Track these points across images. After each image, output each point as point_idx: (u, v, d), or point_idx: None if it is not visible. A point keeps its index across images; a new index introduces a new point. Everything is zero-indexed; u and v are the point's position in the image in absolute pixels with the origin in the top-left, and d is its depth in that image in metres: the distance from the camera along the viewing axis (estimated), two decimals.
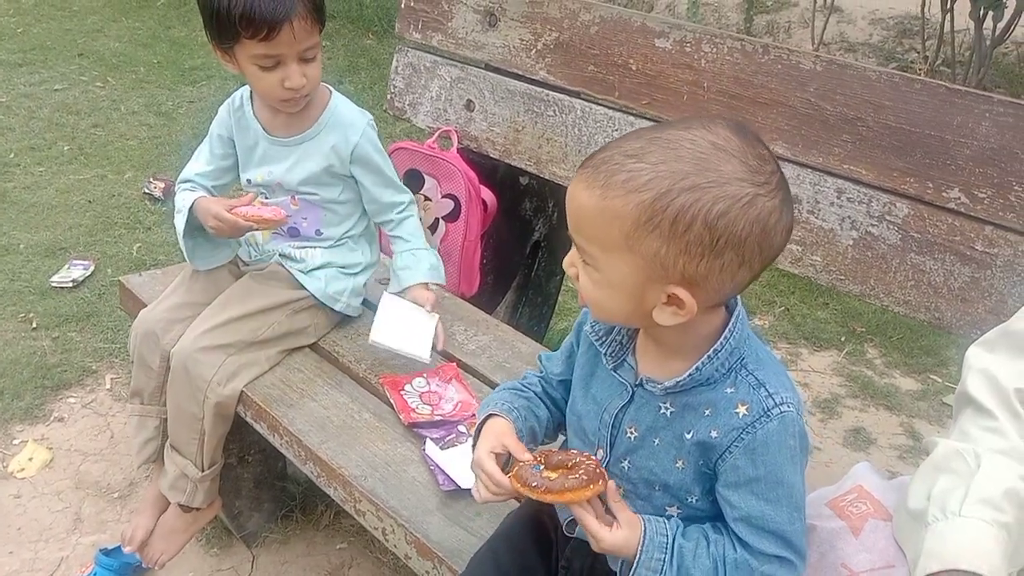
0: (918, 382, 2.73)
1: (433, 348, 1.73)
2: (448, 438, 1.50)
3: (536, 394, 1.23)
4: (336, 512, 2.05)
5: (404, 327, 1.74)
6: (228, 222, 1.64)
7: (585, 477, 0.98)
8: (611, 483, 1.01)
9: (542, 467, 1.02)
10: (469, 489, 1.38)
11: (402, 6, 2.21)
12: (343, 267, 1.83)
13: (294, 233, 1.81)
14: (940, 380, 2.73)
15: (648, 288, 0.95)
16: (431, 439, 1.49)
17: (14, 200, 3.32)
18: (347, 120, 1.72)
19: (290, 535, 2.02)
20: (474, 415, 1.59)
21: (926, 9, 4.03)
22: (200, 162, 1.84)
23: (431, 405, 1.62)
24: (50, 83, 4.44)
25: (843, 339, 2.91)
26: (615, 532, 1.00)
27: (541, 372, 1.26)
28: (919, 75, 4.19)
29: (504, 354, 1.83)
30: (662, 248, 0.91)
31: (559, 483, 0.98)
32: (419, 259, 1.83)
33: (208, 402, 1.63)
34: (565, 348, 1.23)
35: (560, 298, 2.61)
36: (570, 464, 1.01)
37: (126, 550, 1.83)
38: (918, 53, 4.37)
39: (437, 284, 1.85)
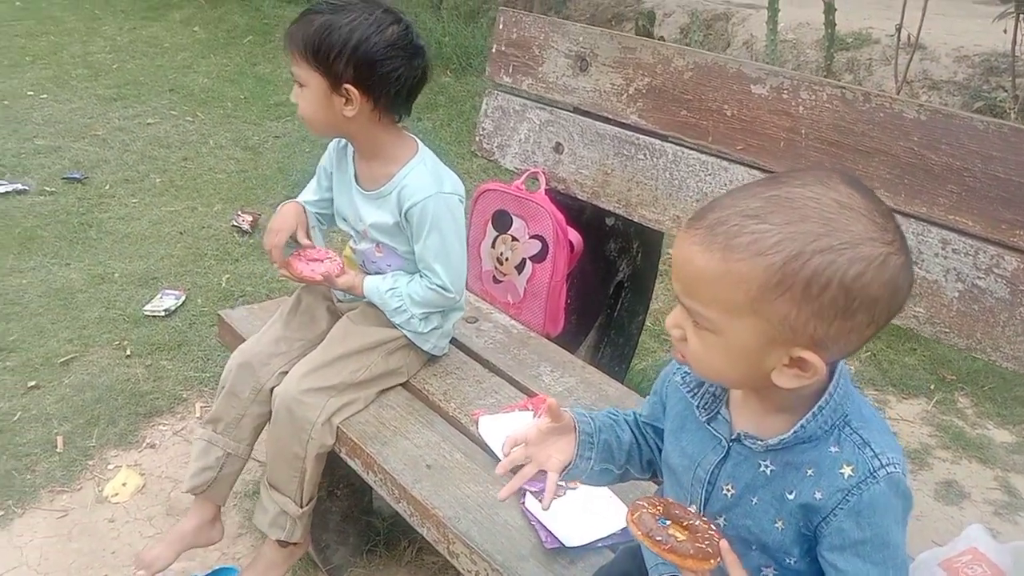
0: (1013, 434, 2.63)
1: None
2: None
3: (627, 421, 1.22)
4: (419, 548, 2.07)
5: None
6: (273, 253, 1.79)
7: (710, 549, 0.97)
8: (727, 545, 0.99)
9: (668, 522, 1.00)
10: (574, 547, 1.39)
11: (493, 51, 2.26)
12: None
13: (379, 272, 1.84)
14: None
15: (770, 351, 0.92)
16: (531, 492, 1.49)
17: (109, 230, 3.46)
18: (415, 184, 1.70)
19: (374, 570, 2.03)
20: None
21: (1016, 46, 3.93)
22: (310, 191, 1.91)
23: None
24: (143, 117, 4.63)
25: (932, 387, 2.82)
26: None
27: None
28: (1008, 114, 4.09)
29: (591, 397, 1.83)
30: (792, 311, 0.88)
31: (685, 547, 0.97)
32: (391, 282, 1.78)
33: (312, 443, 1.67)
34: (651, 397, 1.22)
35: (641, 338, 2.60)
36: (686, 523, 1.00)
37: (137, 574, 1.80)
38: (1006, 91, 4.25)
39: (360, 296, 1.81)
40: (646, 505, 1.02)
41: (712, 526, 1.00)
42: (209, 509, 1.87)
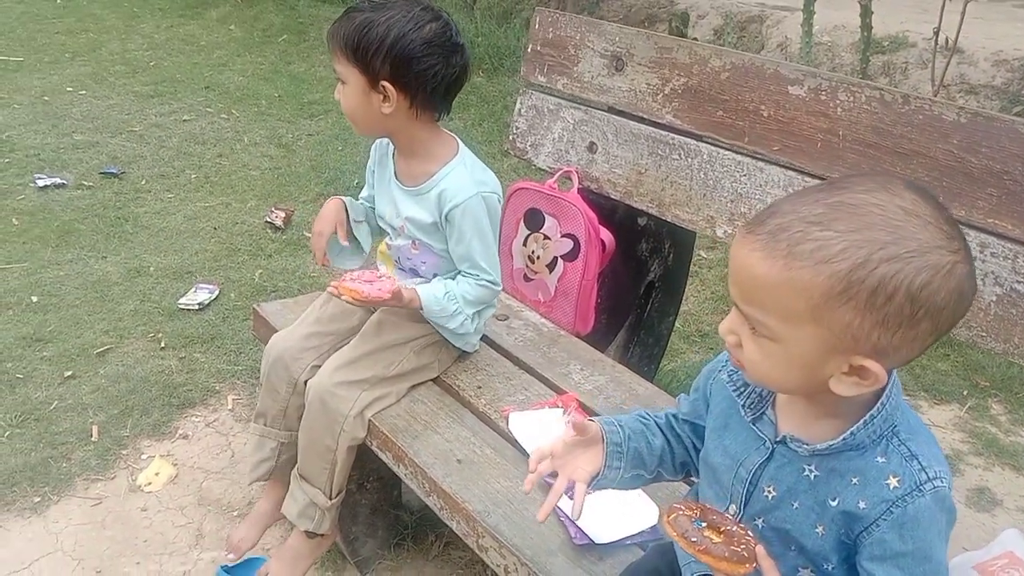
0: None
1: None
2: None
3: (658, 425, 1.22)
4: (447, 543, 2.08)
5: (544, 429, 1.69)
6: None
7: (746, 554, 0.96)
8: (763, 550, 0.99)
9: (704, 524, 1.00)
10: (603, 544, 1.39)
11: (528, 50, 2.26)
12: None
13: (414, 273, 1.87)
14: None
15: (829, 359, 0.91)
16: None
17: (145, 225, 3.51)
18: (456, 186, 1.71)
19: (402, 563, 2.05)
20: None
21: None
22: (366, 188, 1.95)
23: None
24: (179, 114, 4.69)
25: (965, 393, 2.79)
26: None
27: (676, 410, 1.25)
28: None
29: (621, 395, 1.83)
30: (855, 320, 0.87)
31: (721, 549, 0.96)
32: (443, 288, 1.75)
33: (344, 435, 1.69)
34: (693, 394, 1.21)
35: (671, 338, 2.59)
36: (723, 529, 0.99)
37: (228, 557, 1.92)
38: None
39: (413, 307, 1.73)
40: (683, 508, 1.02)
41: (749, 532, 1.00)
42: (278, 489, 1.92)
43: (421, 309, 1.73)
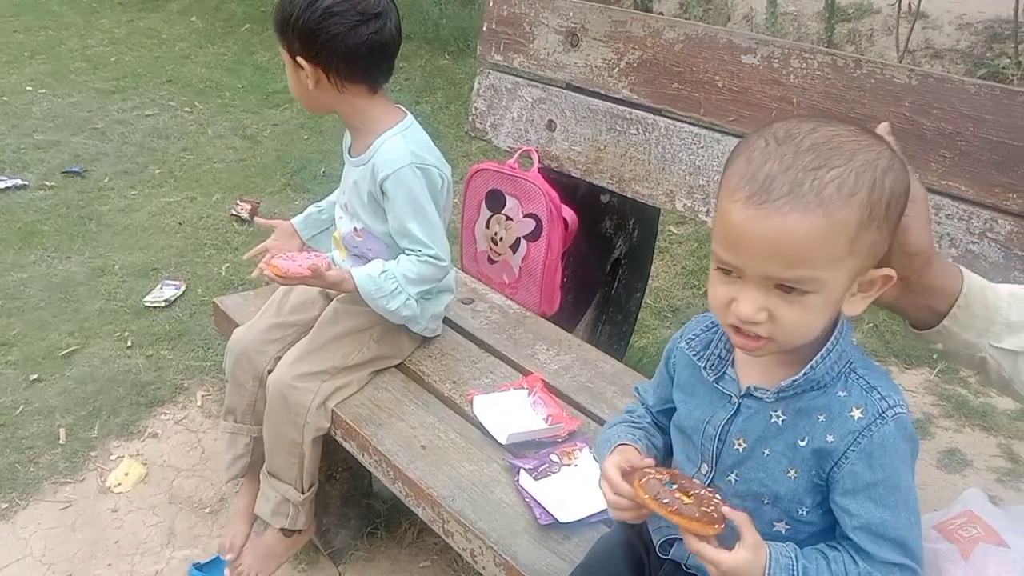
0: (1015, 401, 2.61)
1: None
2: (541, 467, 1.49)
3: (648, 423, 1.22)
4: (420, 530, 2.07)
5: (509, 411, 1.67)
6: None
7: (715, 515, 0.97)
8: (729, 509, 1.00)
9: (675, 485, 1.01)
10: (568, 523, 1.38)
11: (484, 29, 2.24)
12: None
13: (364, 260, 1.80)
14: None
15: (852, 285, 0.96)
16: (524, 469, 1.49)
17: (109, 223, 3.47)
18: (390, 155, 1.67)
19: (375, 552, 2.04)
20: (569, 435, 1.59)
21: (1019, 12, 3.89)
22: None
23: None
24: (141, 109, 4.63)
25: (935, 356, 2.80)
26: (737, 555, 0.98)
27: (643, 403, 1.25)
28: (1011, 80, 4.05)
29: (587, 374, 1.83)
30: (877, 236, 0.93)
31: (692, 509, 0.97)
32: (380, 267, 1.70)
33: (308, 428, 1.67)
34: (656, 379, 1.22)
35: (639, 316, 2.59)
36: (692, 492, 1.00)
37: (226, 558, 1.90)
38: (1009, 58, 4.20)
39: (342, 289, 1.72)
40: (653, 472, 1.04)
41: (717, 495, 1.01)
42: (257, 483, 1.89)
43: (357, 291, 1.68)
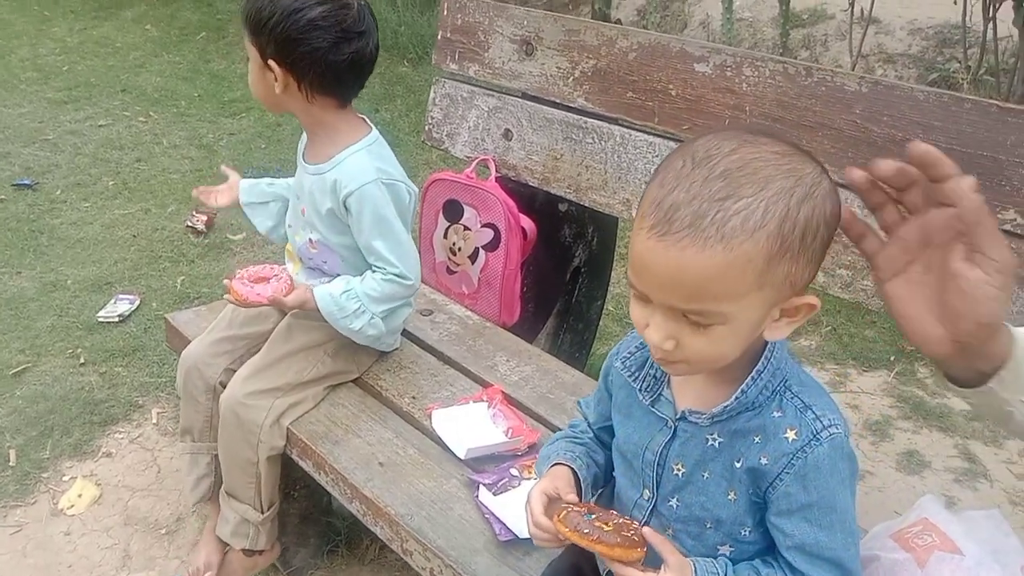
0: None
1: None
2: (501, 482, 1.48)
3: (590, 439, 1.21)
4: (381, 547, 2.04)
5: (468, 425, 1.65)
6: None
7: (636, 538, 0.97)
8: (649, 530, 1.00)
9: (593, 516, 1.01)
10: (527, 538, 1.37)
11: (439, 38, 2.22)
12: None
13: (320, 273, 1.78)
14: None
15: (768, 313, 0.92)
16: (484, 484, 1.47)
17: (61, 236, 3.39)
18: (354, 170, 1.64)
19: (336, 570, 2.01)
20: (529, 447, 1.58)
21: (967, 18, 3.96)
22: None
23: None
24: (94, 119, 4.54)
25: (892, 358, 2.84)
26: (664, 575, 0.97)
27: (585, 419, 1.24)
28: (962, 84, 4.12)
29: (547, 384, 1.82)
30: (792, 268, 0.88)
31: (612, 536, 0.97)
32: (343, 285, 1.68)
33: (262, 446, 1.64)
34: (596, 395, 1.21)
35: (601, 323, 2.59)
36: (611, 522, 1.00)
37: None
38: (959, 63, 4.28)
39: (308, 307, 1.68)
40: (572, 506, 1.04)
41: (635, 522, 1.01)
42: None
43: (318, 311, 1.66)
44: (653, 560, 0.98)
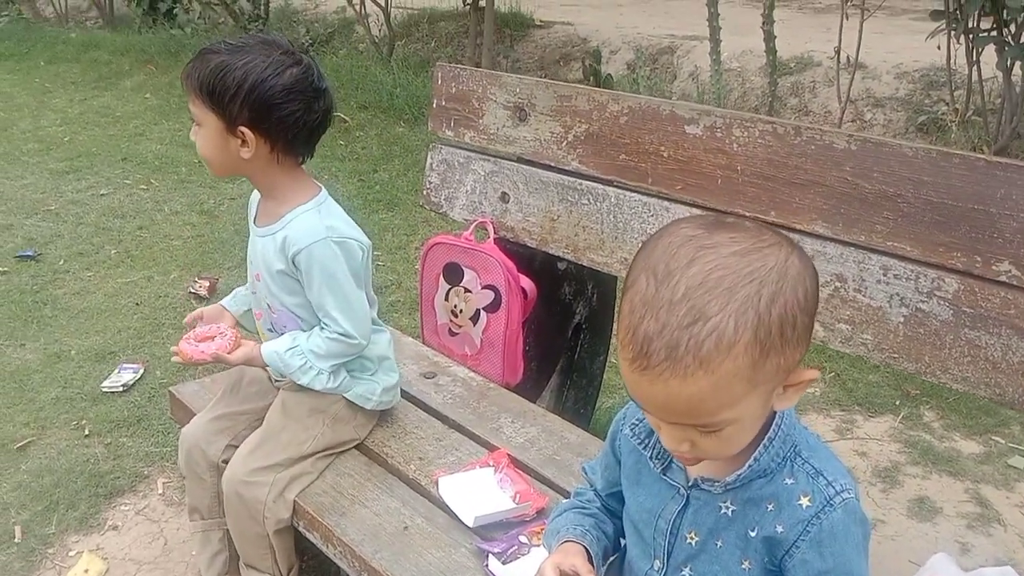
0: (980, 444, 2.64)
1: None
2: (511, 551, 1.47)
3: (598, 509, 1.21)
4: None
5: (475, 492, 1.65)
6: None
7: None
8: None
9: None
10: None
11: (433, 105, 2.27)
12: (350, 371, 1.79)
13: (280, 335, 1.76)
14: (1003, 441, 2.64)
15: (771, 396, 0.94)
16: (493, 554, 1.47)
17: (64, 307, 3.41)
18: (303, 229, 1.64)
19: None
20: (537, 513, 1.57)
21: (952, 61, 4.03)
22: None
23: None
24: (96, 188, 4.60)
25: (898, 403, 2.83)
26: None
27: (591, 486, 1.24)
28: (951, 126, 4.17)
29: (553, 446, 1.82)
30: (780, 359, 0.89)
31: None
32: (289, 342, 1.70)
33: (268, 520, 1.64)
34: (602, 461, 1.21)
35: (605, 376, 2.59)
36: None
37: None
38: (947, 105, 4.35)
39: (259, 363, 1.73)
40: None
41: None
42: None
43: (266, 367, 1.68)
44: None
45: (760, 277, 0.87)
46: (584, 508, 1.20)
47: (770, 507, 0.99)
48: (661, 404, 0.90)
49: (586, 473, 1.25)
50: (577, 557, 1.10)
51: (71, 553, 2.24)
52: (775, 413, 0.99)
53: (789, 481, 0.99)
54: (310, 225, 1.64)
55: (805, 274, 0.91)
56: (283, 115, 1.57)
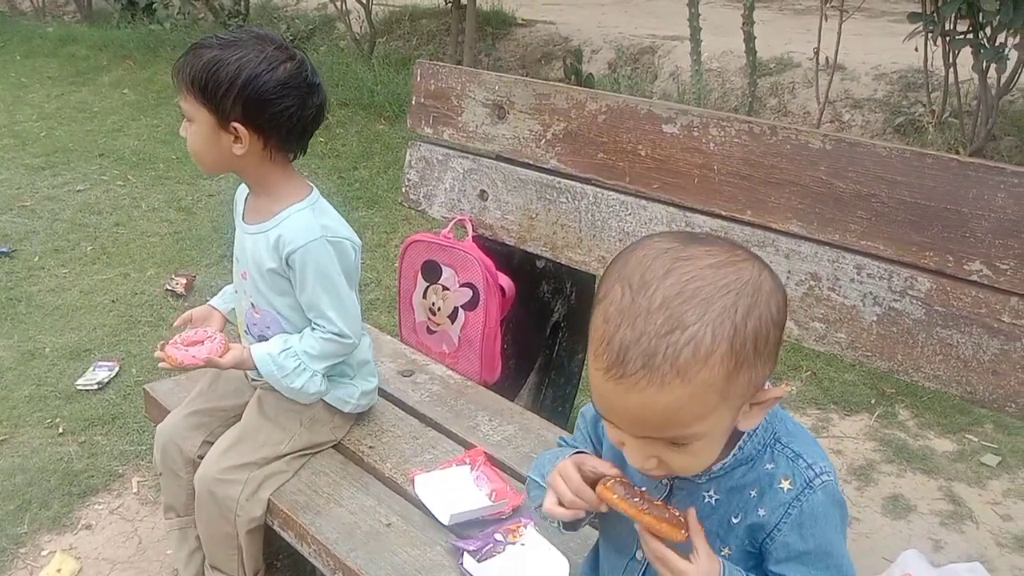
0: (953, 443, 2.67)
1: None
2: (486, 548, 1.47)
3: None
4: None
5: (452, 490, 1.64)
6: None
7: (682, 520, 0.98)
8: (693, 513, 1.01)
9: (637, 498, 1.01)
10: None
11: (413, 103, 2.26)
12: (329, 376, 1.76)
13: (263, 339, 1.74)
14: (976, 439, 2.67)
15: (739, 412, 0.94)
16: (468, 551, 1.47)
17: (39, 304, 3.37)
18: (298, 228, 1.62)
19: None
20: (513, 511, 1.57)
21: (929, 63, 4.07)
22: None
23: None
24: (72, 184, 4.55)
25: (873, 401, 2.86)
26: (698, 564, 0.98)
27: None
28: (928, 128, 4.21)
29: (530, 444, 1.82)
30: (752, 373, 0.90)
31: (660, 511, 0.97)
32: (281, 344, 1.68)
33: (240, 520, 1.62)
34: (576, 429, 1.22)
35: (583, 375, 2.59)
36: (655, 501, 1.01)
37: None
38: (924, 106, 4.38)
39: (247, 368, 1.70)
40: (616, 479, 1.02)
41: (675, 509, 1.01)
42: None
43: (256, 370, 1.64)
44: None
45: (736, 289, 0.88)
46: (572, 444, 1.21)
47: (752, 493, 1.01)
48: (634, 415, 0.90)
49: (561, 442, 1.25)
50: (591, 458, 1.09)
51: (43, 553, 2.21)
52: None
53: (770, 466, 1.01)
54: (305, 224, 1.63)
55: (777, 290, 0.92)
56: (277, 111, 1.56)
